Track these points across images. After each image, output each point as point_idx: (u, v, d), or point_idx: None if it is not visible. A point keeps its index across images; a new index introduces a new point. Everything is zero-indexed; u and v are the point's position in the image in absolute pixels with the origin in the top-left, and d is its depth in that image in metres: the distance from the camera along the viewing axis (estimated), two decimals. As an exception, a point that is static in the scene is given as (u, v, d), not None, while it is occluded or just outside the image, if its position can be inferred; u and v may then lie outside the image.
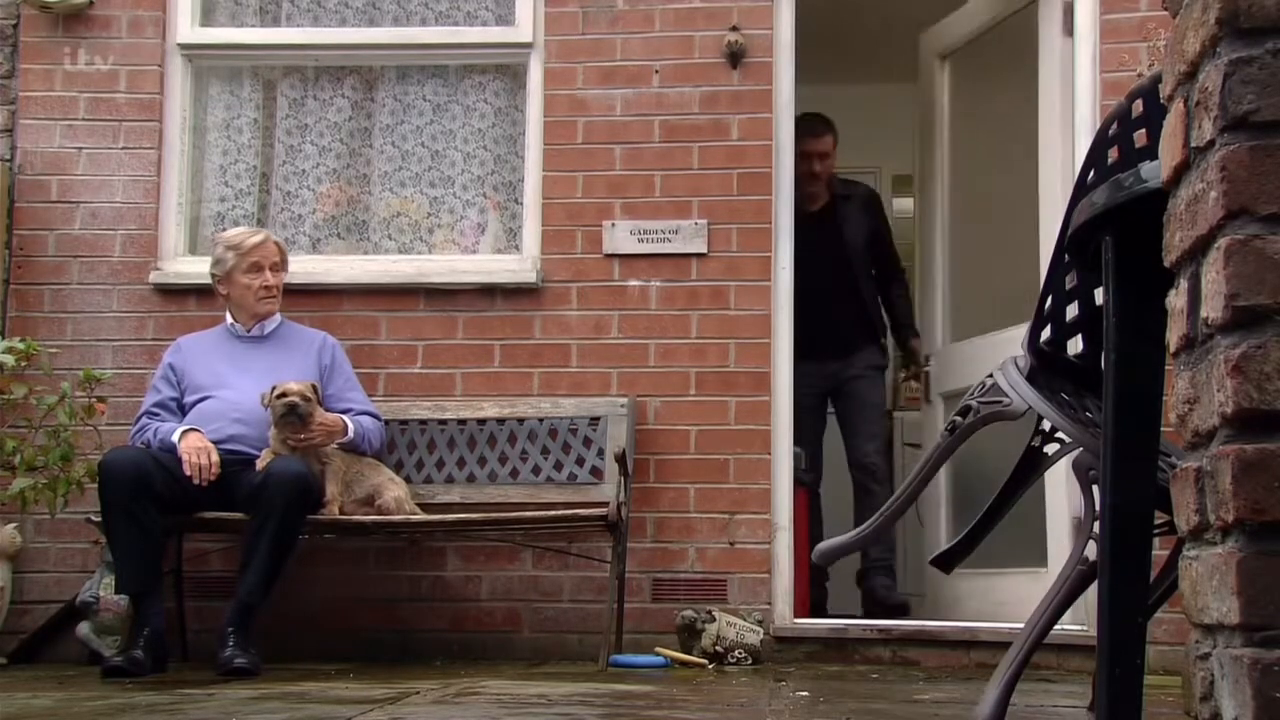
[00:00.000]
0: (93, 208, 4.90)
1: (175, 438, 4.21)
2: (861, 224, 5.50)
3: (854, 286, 5.46)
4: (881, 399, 5.56)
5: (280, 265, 4.53)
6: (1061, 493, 4.38)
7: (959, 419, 2.48)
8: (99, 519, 4.13)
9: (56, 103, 4.93)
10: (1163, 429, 1.77)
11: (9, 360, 4.24)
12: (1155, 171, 1.52)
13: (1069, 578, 2.31)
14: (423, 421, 4.72)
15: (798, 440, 4.83)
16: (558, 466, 4.63)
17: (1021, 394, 2.34)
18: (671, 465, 4.67)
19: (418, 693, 3.30)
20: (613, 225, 4.77)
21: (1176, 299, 1.42)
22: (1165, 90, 1.47)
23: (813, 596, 4.98)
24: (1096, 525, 1.89)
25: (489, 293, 4.80)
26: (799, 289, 4.77)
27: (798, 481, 4.83)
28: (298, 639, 4.48)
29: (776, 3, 4.82)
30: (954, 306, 5.21)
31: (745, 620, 4.35)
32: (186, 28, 5.01)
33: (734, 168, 4.76)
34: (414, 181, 5.04)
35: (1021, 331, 2.49)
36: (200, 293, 4.73)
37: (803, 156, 5.15)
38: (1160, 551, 2.28)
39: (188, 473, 4.11)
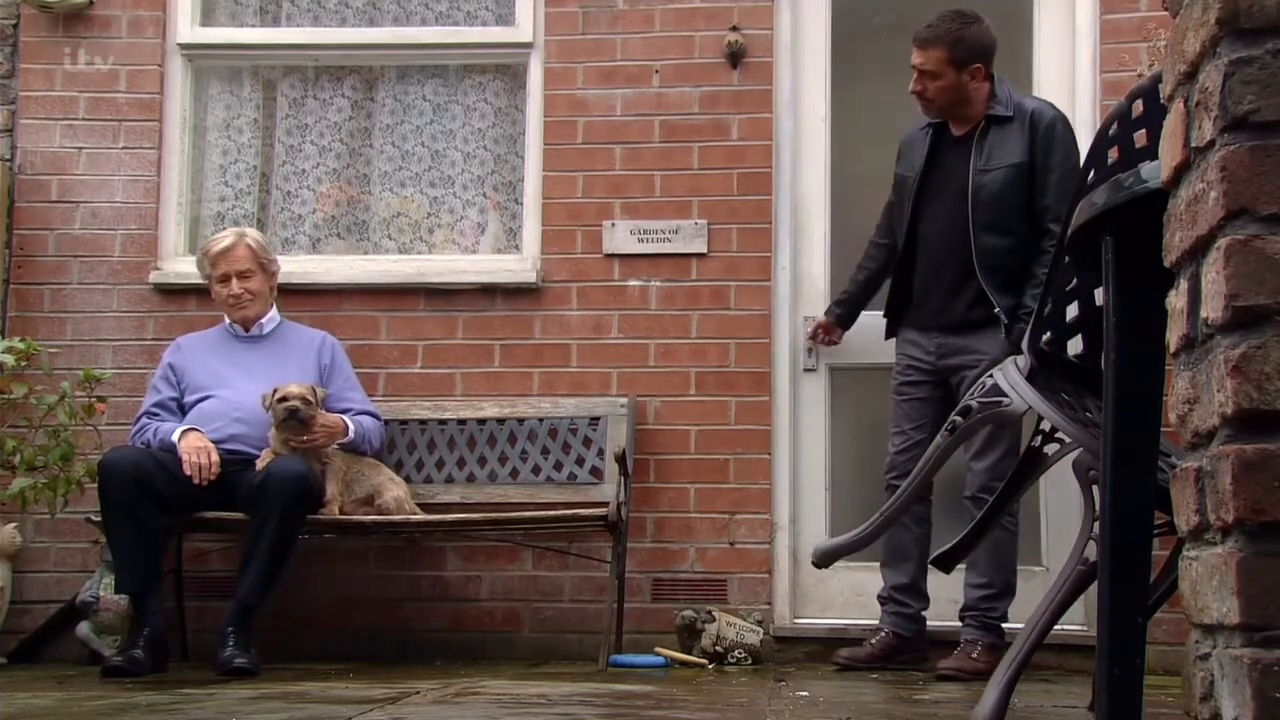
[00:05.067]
0: (93, 207, 4.90)
1: (175, 437, 4.21)
2: (1007, 153, 4.09)
3: (964, 235, 4.10)
4: None
5: (251, 271, 4.47)
6: (1060, 493, 4.38)
7: (959, 419, 2.48)
8: (99, 519, 4.13)
9: (56, 102, 4.93)
10: (1163, 429, 1.77)
11: (9, 360, 4.24)
12: (1155, 171, 1.52)
13: (1069, 578, 2.31)
14: (423, 421, 4.72)
15: (895, 430, 4.29)
16: (558, 466, 4.63)
17: (1022, 394, 2.34)
18: (671, 465, 4.67)
19: (418, 693, 3.30)
20: (613, 225, 4.77)
21: (1176, 299, 1.42)
22: (1165, 90, 1.47)
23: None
24: (1096, 525, 1.89)
25: (489, 293, 4.80)
26: (919, 234, 4.26)
27: None
28: (298, 639, 4.48)
29: (777, 3, 4.83)
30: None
31: (745, 620, 4.35)
32: (186, 28, 5.01)
33: (734, 168, 4.76)
34: (414, 181, 5.04)
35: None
36: (200, 293, 4.72)
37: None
38: (1160, 551, 2.29)
39: (187, 472, 4.11)
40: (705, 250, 4.72)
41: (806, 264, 4.83)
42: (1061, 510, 4.44)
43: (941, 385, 4.25)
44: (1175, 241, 1.42)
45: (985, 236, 4.08)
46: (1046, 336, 2.43)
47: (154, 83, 4.95)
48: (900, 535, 4.20)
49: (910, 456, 4.18)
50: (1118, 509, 1.70)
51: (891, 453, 4.31)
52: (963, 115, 4.21)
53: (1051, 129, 4.10)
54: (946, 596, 4.33)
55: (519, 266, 4.84)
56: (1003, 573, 4.13)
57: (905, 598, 4.25)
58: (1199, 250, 1.33)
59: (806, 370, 4.77)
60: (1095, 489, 2.08)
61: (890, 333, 4.41)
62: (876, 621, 4.35)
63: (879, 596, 4.34)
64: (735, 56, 4.77)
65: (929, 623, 4.36)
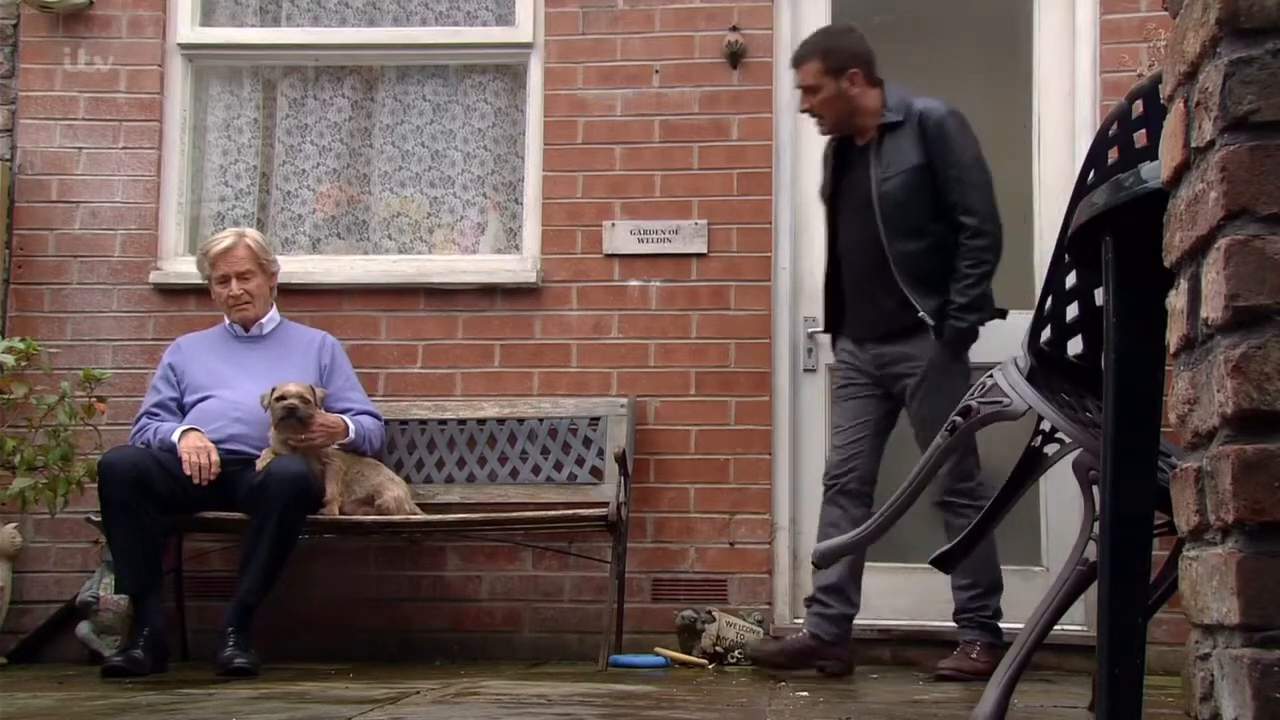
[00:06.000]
0: (93, 207, 4.90)
1: (175, 437, 4.21)
2: (904, 158, 4.09)
3: (877, 244, 4.09)
4: (941, 407, 3.61)
5: (251, 272, 4.47)
6: (1060, 493, 4.37)
7: (959, 419, 2.48)
8: (99, 519, 4.13)
9: (56, 103, 4.93)
10: (1163, 429, 1.77)
11: (9, 360, 4.24)
12: (1155, 172, 1.52)
13: (1069, 578, 2.31)
14: (423, 421, 4.72)
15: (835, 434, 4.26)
16: (558, 466, 4.63)
17: (1022, 394, 2.34)
18: (671, 465, 4.67)
19: (418, 693, 3.30)
20: (613, 225, 4.78)
21: (1176, 299, 1.42)
22: (1165, 90, 1.47)
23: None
24: (1096, 525, 1.89)
25: (489, 293, 4.80)
26: (839, 246, 4.26)
27: None
28: (298, 639, 4.48)
29: (776, 3, 4.83)
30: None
31: (745, 620, 4.35)
32: (186, 28, 5.02)
33: (734, 168, 4.76)
34: (414, 181, 5.04)
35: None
36: (200, 293, 4.73)
37: None
38: (1160, 551, 2.28)
39: (187, 472, 4.11)
40: (705, 250, 4.72)
41: (806, 264, 4.83)
42: (1061, 510, 4.44)
43: (883, 390, 4.20)
44: (1175, 241, 1.42)
45: (898, 243, 4.07)
46: (1046, 336, 2.43)
47: (154, 83, 4.95)
48: (831, 537, 3.95)
49: (848, 455, 4.16)
50: (1118, 509, 1.69)
51: (832, 450, 4.25)
52: (860, 126, 4.19)
53: (941, 126, 4.09)
54: (948, 597, 4.33)
55: (519, 266, 4.84)
56: (985, 570, 4.07)
57: (828, 598, 4.10)
58: (1199, 250, 1.33)
59: (806, 370, 4.77)
60: (1095, 489, 2.08)
61: (833, 343, 4.39)
62: (874, 621, 4.34)
63: (805, 598, 4.26)
64: (735, 56, 4.77)
65: (928, 623, 4.35)
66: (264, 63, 5.14)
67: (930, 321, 4.03)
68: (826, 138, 4.33)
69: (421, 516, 4.41)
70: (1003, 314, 4.15)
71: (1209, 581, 1.31)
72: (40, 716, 2.93)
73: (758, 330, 4.71)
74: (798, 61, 4.23)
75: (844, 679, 3.97)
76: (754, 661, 4.09)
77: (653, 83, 4.83)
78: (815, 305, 4.80)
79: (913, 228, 4.08)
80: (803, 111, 4.28)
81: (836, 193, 4.28)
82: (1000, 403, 2.38)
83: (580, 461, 4.63)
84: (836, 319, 4.33)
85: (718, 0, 4.81)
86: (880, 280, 4.11)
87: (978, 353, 4.33)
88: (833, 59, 4.15)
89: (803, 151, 4.85)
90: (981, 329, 4.11)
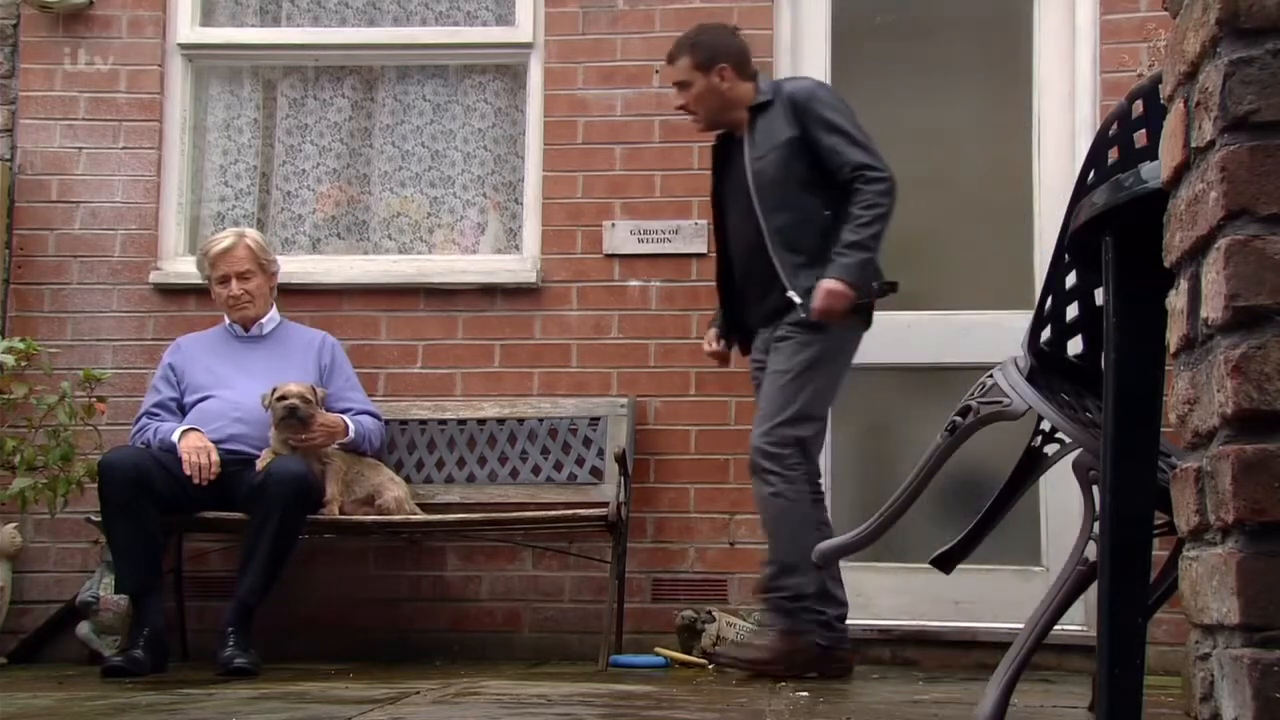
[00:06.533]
0: (93, 207, 4.90)
1: (175, 437, 4.21)
2: (775, 133, 4.04)
3: (756, 225, 4.03)
4: (798, 365, 3.96)
5: (251, 272, 4.47)
6: (1060, 493, 4.37)
7: (959, 419, 2.48)
8: (99, 519, 4.13)
9: (56, 103, 4.93)
10: (1163, 429, 1.77)
11: (9, 360, 4.24)
12: (1155, 172, 1.52)
13: (1069, 578, 2.31)
14: (423, 421, 4.73)
15: None
16: (558, 466, 4.63)
17: (1022, 394, 2.34)
18: (671, 465, 4.67)
19: (418, 693, 3.30)
20: (613, 225, 4.78)
21: (1176, 299, 1.42)
22: (1165, 90, 1.47)
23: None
24: (1096, 525, 1.89)
25: (489, 293, 4.80)
26: (729, 246, 4.21)
27: None
28: (298, 639, 4.48)
29: (776, 3, 4.83)
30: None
31: (745, 620, 4.34)
32: (186, 28, 5.02)
33: (734, 168, 4.75)
34: (414, 181, 5.04)
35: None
36: (200, 293, 4.73)
37: None
38: (1160, 551, 2.28)
39: (187, 472, 4.12)
40: (705, 250, 4.72)
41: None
42: (1061, 510, 4.44)
43: None
44: (1175, 241, 1.42)
45: (773, 217, 4.01)
46: (1046, 336, 2.43)
47: (154, 83, 4.95)
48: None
49: None
50: (1118, 509, 1.70)
51: None
52: (734, 120, 4.15)
53: (810, 96, 4.06)
54: (948, 597, 4.33)
55: (519, 266, 4.84)
56: (788, 544, 3.86)
57: (816, 604, 3.96)
58: (1199, 250, 1.34)
59: (806, 370, 4.75)
60: (1095, 489, 2.08)
61: (745, 348, 4.30)
62: (874, 621, 4.33)
63: None
64: (735, 56, 4.76)
65: (928, 623, 4.35)
66: (264, 63, 5.14)
67: (797, 299, 3.94)
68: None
69: (421, 516, 4.42)
70: (894, 287, 4.07)
71: (1209, 581, 1.31)
72: (40, 716, 2.93)
73: (758, 330, 4.70)
74: (671, 58, 4.22)
75: (844, 679, 3.95)
76: (755, 675, 3.95)
77: (653, 83, 4.83)
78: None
79: (785, 201, 4.02)
80: (677, 109, 4.26)
81: (722, 191, 4.23)
82: (1000, 403, 2.38)
83: (580, 461, 4.63)
84: (742, 327, 4.26)
85: (718, 0, 4.81)
86: (763, 260, 4.03)
87: (973, 352, 4.35)
88: (701, 53, 4.13)
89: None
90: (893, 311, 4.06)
